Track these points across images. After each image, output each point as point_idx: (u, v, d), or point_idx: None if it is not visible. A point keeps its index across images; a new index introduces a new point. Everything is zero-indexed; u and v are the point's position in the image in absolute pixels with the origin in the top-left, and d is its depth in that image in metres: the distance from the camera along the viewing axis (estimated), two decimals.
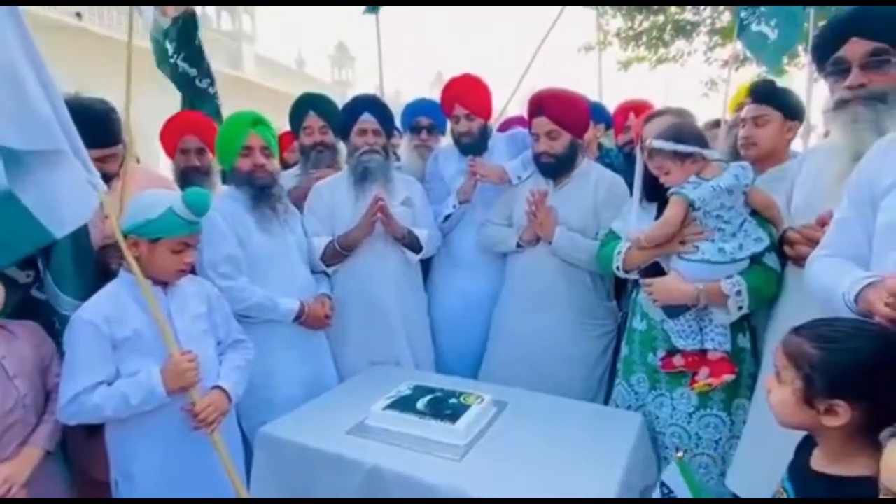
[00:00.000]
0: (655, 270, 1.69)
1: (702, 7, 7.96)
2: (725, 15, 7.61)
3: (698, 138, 1.61)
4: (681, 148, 1.56)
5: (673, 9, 7.89)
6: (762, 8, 3.23)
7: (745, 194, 1.58)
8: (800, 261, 1.38)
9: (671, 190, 1.60)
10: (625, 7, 7.64)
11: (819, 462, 0.93)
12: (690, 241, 1.59)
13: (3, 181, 1.29)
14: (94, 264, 1.72)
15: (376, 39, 3.35)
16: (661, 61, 8.71)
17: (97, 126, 1.74)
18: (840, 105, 1.33)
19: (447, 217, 2.34)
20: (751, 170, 1.60)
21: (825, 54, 1.36)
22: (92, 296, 1.50)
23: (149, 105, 2.97)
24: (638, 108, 3.01)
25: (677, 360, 1.69)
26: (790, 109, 1.97)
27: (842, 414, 0.86)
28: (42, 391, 1.50)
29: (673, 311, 1.64)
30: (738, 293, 1.54)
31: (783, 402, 0.93)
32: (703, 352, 1.65)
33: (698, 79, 8.85)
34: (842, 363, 0.86)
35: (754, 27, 3.28)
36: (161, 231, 1.48)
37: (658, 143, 1.59)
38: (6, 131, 1.28)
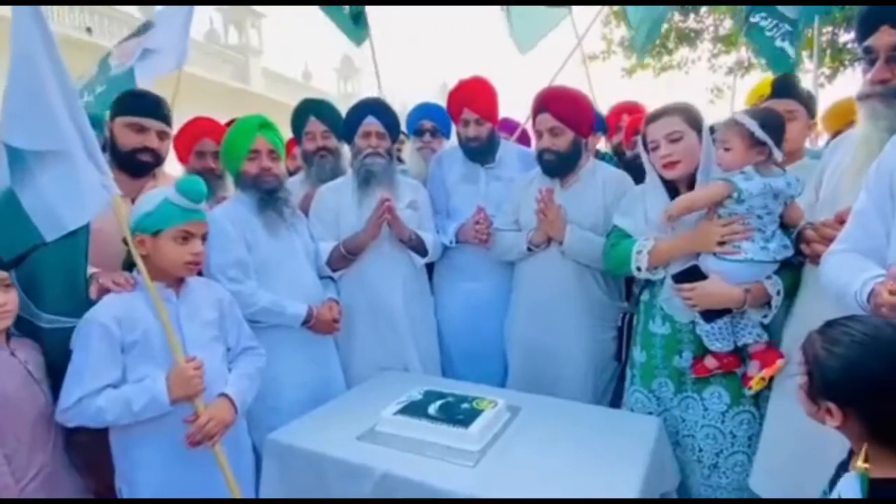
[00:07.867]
0: (690, 276, 1.61)
1: (704, 14, 7.99)
2: (728, 22, 7.63)
3: (779, 133, 1.53)
4: (760, 134, 1.48)
5: (676, 17, 7.90)
6: (787, 26, 3.22)
7: (786, 205, 1.54)
8: (815, 259, 1.35)
9: (721, 175, 1.55)
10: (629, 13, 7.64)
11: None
12: (730, 241, 1.54)
13: (6, 180, 1.28)
14: (82, 276, 1.56)
15: (380, 54, 3.37)
16: (664, 69, 8.72)
17: (157, 101, 1.99)
18: (862, 98, 1.30)
19: (444, 246, 2.33)
20: (802, 184, 1.53)
21: (862, 38, 1.30)
22: (75, 310, 1.45)
23: None
24: (631, 109, 3.00)
25: (710, 363, 1.64)
26: (812, 106, 1.94)
27: (835, 416, 0.86)
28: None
29: (712, 315, 1.59)
30: (779, 293, 1.53)
31: (800, 395, 0.94)
32: (737, 350, 1.61)
33: (703, 86, 8.82)
34: (834, 368, 0.85)
35: (777, 43, 3.27)
36: (160, 222, 1.47)
37: (741, 118, 1.52)
38: (14, 131, 1.27)
